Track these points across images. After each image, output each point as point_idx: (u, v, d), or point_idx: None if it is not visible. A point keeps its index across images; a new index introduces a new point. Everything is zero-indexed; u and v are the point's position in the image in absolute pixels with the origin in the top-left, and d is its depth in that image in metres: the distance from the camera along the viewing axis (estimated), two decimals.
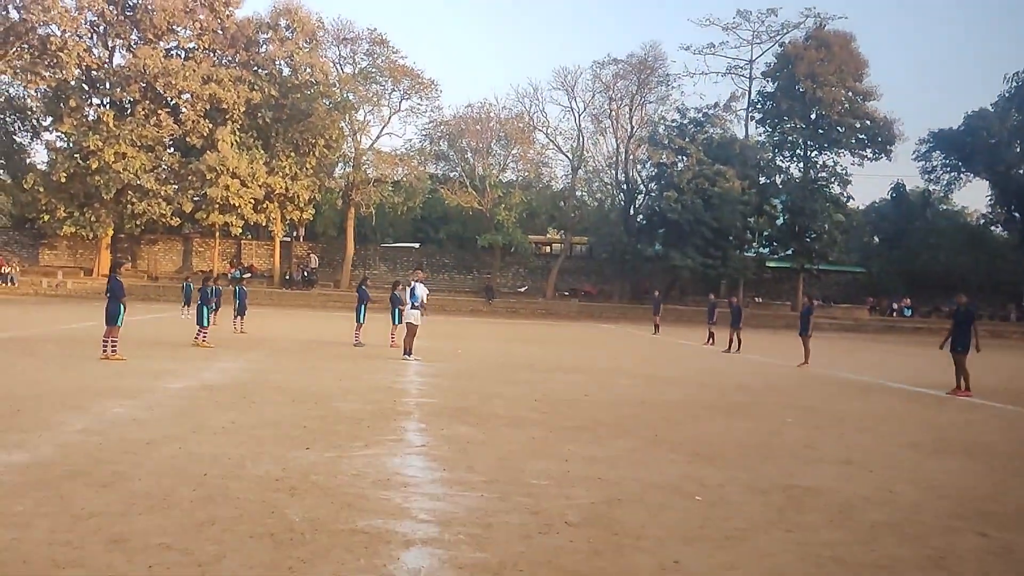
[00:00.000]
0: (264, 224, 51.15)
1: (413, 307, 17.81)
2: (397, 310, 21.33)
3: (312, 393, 11.42)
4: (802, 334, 20.94)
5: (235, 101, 46.19)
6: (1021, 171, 58.93)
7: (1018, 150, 57.90)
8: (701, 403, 12.48)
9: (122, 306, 15.19)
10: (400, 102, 54.16)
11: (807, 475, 7.47)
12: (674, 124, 54.75)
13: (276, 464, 6.87)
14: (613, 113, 54.96)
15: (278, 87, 48.86)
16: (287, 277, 53.45)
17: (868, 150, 54.44)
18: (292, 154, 48.87)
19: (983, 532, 5.79)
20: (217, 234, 50.85)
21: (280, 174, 47.70)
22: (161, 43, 47.38)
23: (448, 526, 5.36)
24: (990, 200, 63.49)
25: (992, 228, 64.01)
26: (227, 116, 46.69)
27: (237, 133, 47.13)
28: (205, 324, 18.83)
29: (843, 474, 7.59)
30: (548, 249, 64.40)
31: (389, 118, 54.51)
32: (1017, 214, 61.71)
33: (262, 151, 47.92)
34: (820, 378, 17.88)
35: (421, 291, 18.10)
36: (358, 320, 21.24)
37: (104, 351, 14.84)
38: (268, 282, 53.21)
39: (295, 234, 59.09)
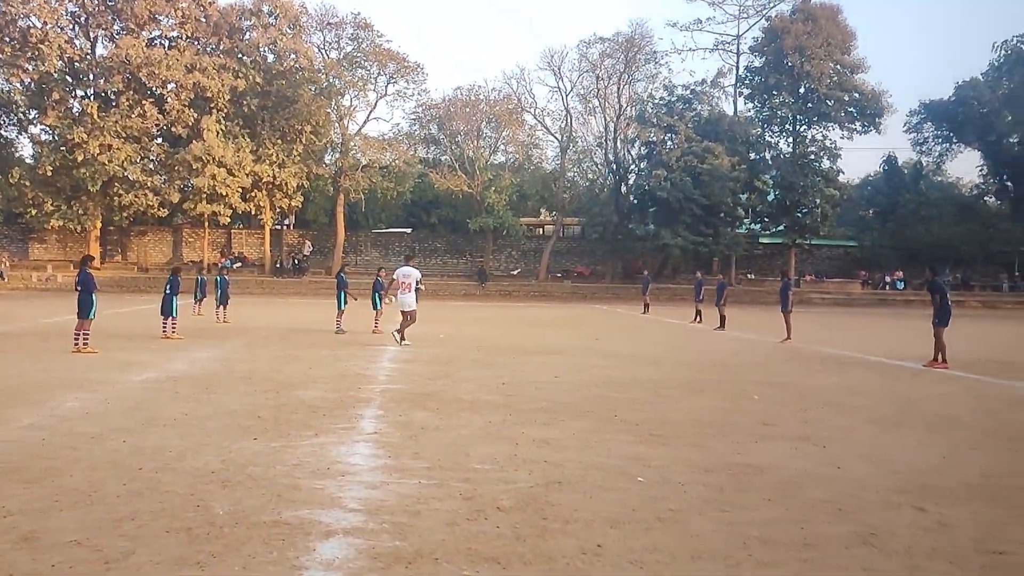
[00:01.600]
0: (253, 213, 51.06)
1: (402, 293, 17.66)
2: (378, 296, 21.38)
3: (277, 382, 11.36)
4: (783, 310, 20.86)
5: (220, 89, 45.96)
6: (1013, 140, 58.73)
7: (1009, 119, 57.62)
8: (671, 382, 12.43)
9: (93, 299, 15.12)
10: (386, 86, 54.00)
11: (757, 453, 7.40)
12: (662, 102, 54.52)
13: (217, 456, 6.81)
14: (601, 92, 54.68)
15: (263, 74, 48.64)
16: (278, 265, 53.38)
17: (857, 123, 54.15)
18: (279, 141, 48.73)
19: (922, 507, 5.72)
20: (206, 224, 50.72)
21: (267, 162, 47.57)
22: (143, 32, 47.11)
23: (375, 515, 5.29)
24: (982, 170, 63.28)
25: (985, 199, 63.84)
26: (212, 105, 46.51)
27: (223, 121, 46.97)
28: (174, 315, 18.43)
29: (794, 451, 7.53)
30: (540, 231, 64.25)
31: (376, 103, 54.39)
32: (1010, 184, 61.52)
33: (248, 139, 47.77)
34: (800, 353, 17.82)
35: (400, 273, 17.92)
36: (339, 307, 21.18)
37: (76, 344, 14.78)
38: (259, 270, 53.16)
39: (285, 222, 59.00)
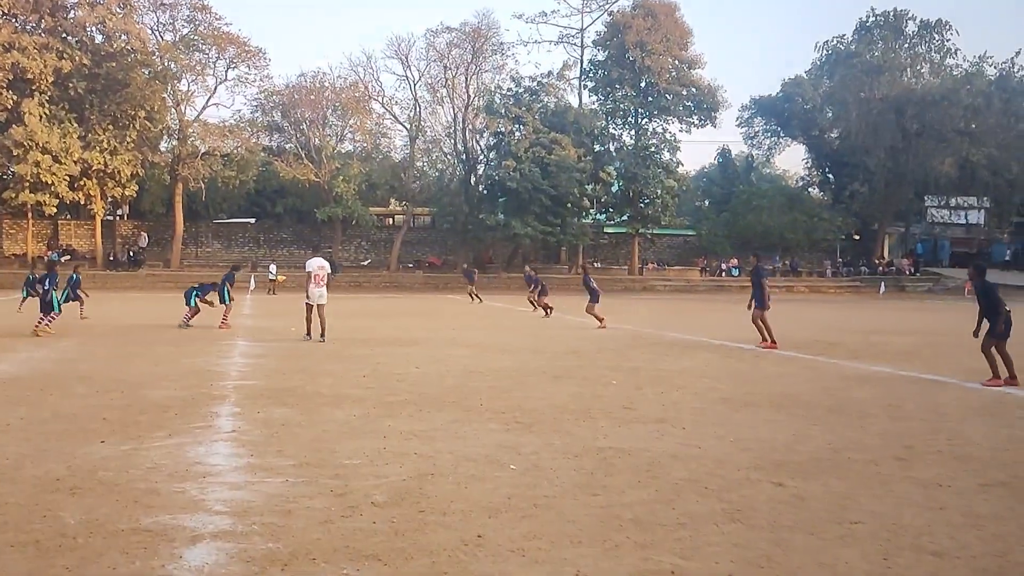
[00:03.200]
0: (83, 202, 47.97)
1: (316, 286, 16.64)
2: (226, 290, 20.51)
3: (120, 381, 10.70)
4: (592, 301, 21.20)
5: (42, 70, 42.87)
6: (833, 135, 62.87)
7: (830, 115, 61.67)
8: (530, 370, 12.56)
9: None
10: (226, 71, 51.95)
11: (621, 436, 7.58)
12: (510, 93, 55.04)
13: (61, 462, 6.33)
14: (449, 82, 54.62)
15: (91, 55, 45.67)
16: (111, 258, 50.48)
17: (695, 117, 56.52)
18: (110, 127, 45.99)
19: (779, 482, 6.01)
20: (30, 214, 47.25)
21: (97, 148, 44.84)
22: None
23: (244, 517, 5.05)
24: (807, 163, 67.55)
25: (809, 190, 68.10)
26: (34, 87, 43.32)
27: (46, 105, 43.85)
28: (57, 310, 17.50)
29: (656, 433, 7.76)
30: (391, 221, 63.60)
31: (215, 88, 52.18)
32: (831, 176, 65.95)
33: (76, 124, 44.86)
34: (649, 338, 18.43)
35: (314, 265, 16.87)
36: (188, 303, 20.11)
37: None
38: (90, 264, 50.04)
39: (119, 212, 55.84)
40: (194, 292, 20.00)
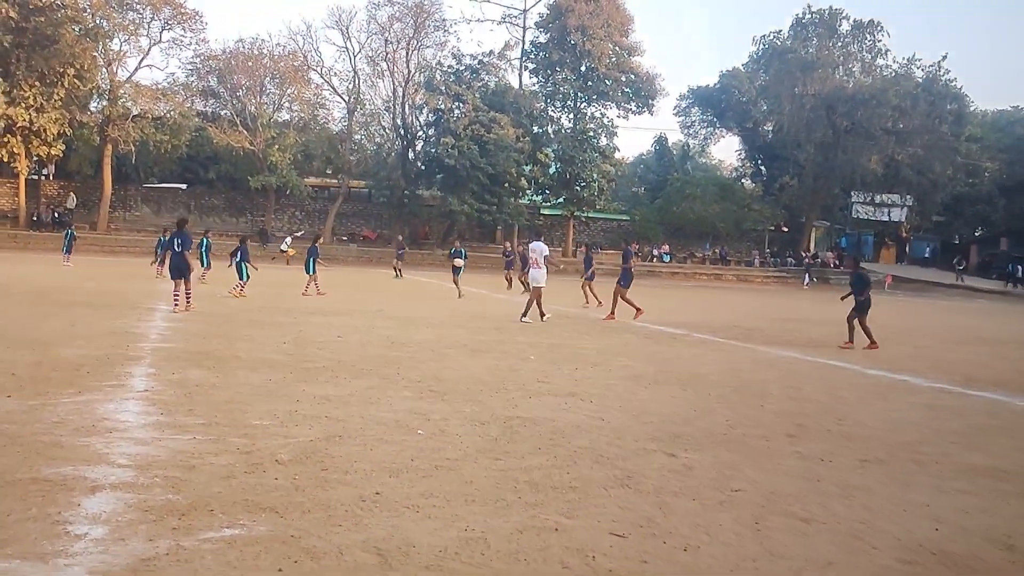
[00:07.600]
0: (6, 160, 46.40)
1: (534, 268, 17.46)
2: (313, 260, 22.48)
3: (33, 340, 10.55)
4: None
5: None
6: (767, 128, 64.15)
7: (764, 108, 62.85)
8: (451, 342, 12.75)
9: None
10: (160, 33, 50.48)
11: (530, 407, 7.82)
12: (451, 70, 54.79)
13: None
14: (390, 56, 54.12)
15: (18, 8, 43.95)
16: (35, 218, 49.00)
17: (633, 104, 57.09)
18: (37, 84, 44.41)
19: (672, 453, 6.31)
20: None
21: (23, 105, 43.31)
22: None
23: (146, 470, 5.14)
24: (740, 154, 68.82)
25: (741, 181, 69.42)
26: None
27: None
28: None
29: (564, 405, 8.03)
30: (326, 193, 62.83)
31: (149, 49, 50.68)
32: (763, 168, 67.33)
33: (1, 80, 43.24)
34: (573, 318, 18.76)
35: (530, 248, 18.00)
36: (309, 272, 22.46)
37: None
38: (12, 223, 48.57)
39: (44, 172, 54.15)
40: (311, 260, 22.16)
